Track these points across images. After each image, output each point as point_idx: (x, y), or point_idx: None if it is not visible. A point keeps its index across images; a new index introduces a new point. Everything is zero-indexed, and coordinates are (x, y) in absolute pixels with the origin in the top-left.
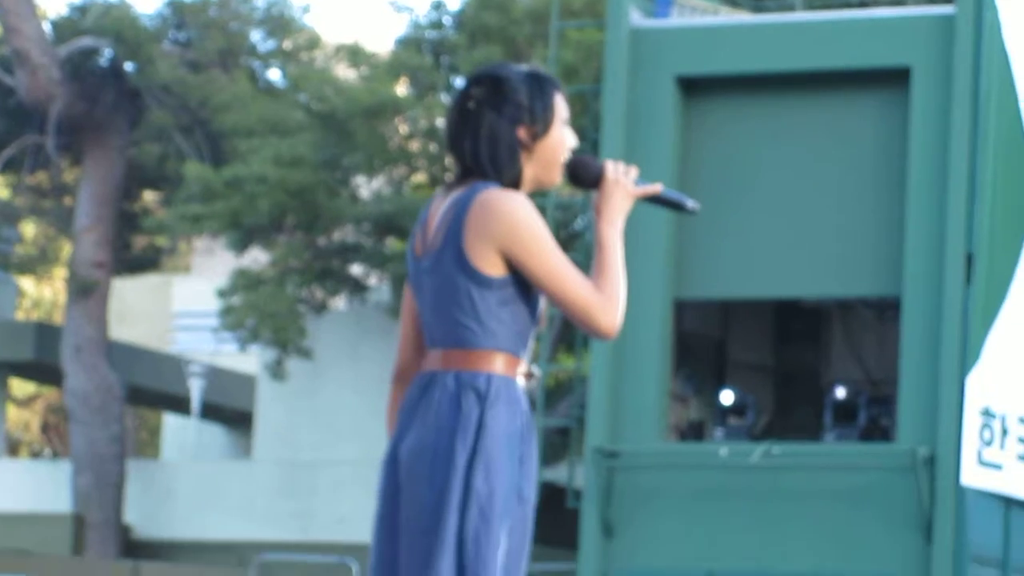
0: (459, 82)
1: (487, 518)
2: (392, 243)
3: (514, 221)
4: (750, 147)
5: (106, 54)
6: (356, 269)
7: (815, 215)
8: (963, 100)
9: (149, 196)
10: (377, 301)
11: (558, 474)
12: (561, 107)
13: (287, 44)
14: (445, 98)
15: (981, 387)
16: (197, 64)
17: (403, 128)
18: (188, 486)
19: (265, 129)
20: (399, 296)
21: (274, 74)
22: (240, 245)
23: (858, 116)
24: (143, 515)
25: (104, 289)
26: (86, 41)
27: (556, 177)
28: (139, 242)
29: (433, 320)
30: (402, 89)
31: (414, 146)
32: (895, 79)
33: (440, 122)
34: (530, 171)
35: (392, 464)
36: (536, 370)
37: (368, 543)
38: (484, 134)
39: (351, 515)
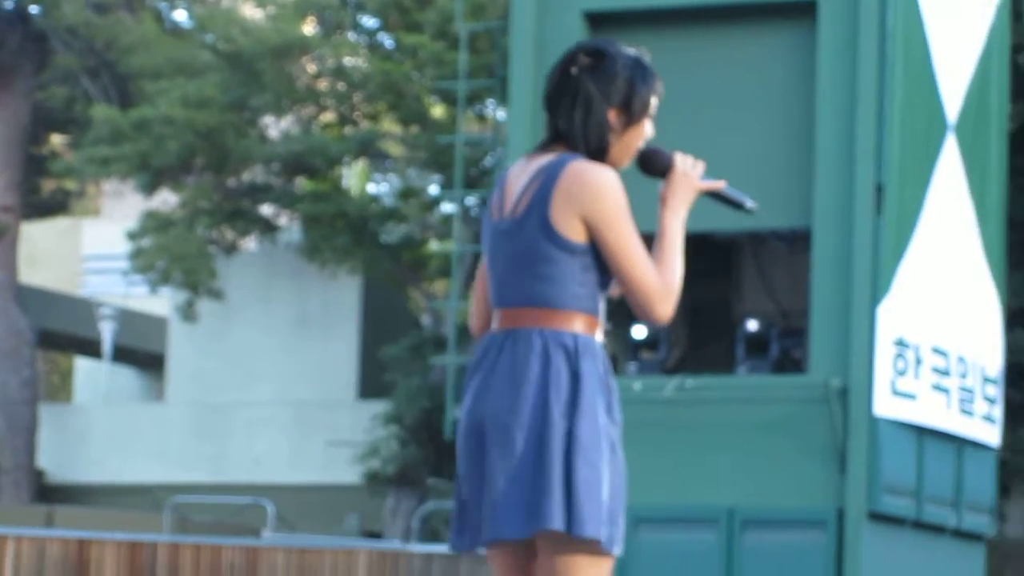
0: (367, 20)
1: (594, 466)
2: (301, 183)
3: (602, 193)
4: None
5: None
6: (266, 209)
7: (724, 149)
8: (870, 32)
9: (57, 139)
10: (287, 241)
11: None
12: (655, 103)
13: None
14: (353, 37)
15: (893, 317)
16: (103, 6)
17: (311, 67)
18: (101, 430)
19: (172, 70)
20: (309, 236)
21: (180, 15)
22: (149, 187)
23: (766, 50)
24: (56, 459)
25: (13, 233)
26: None
27: (627, 162)
28: (47, 185)
29: (512, 280)
30: (309, 28)
31: (322, 85)
32: (802, 12)
33: (348, 61)
34: (613, 152)
35: (476, 425)
36: (610, 328)
37: (283, 482)
38: (580, 103)
39: (265, 456)
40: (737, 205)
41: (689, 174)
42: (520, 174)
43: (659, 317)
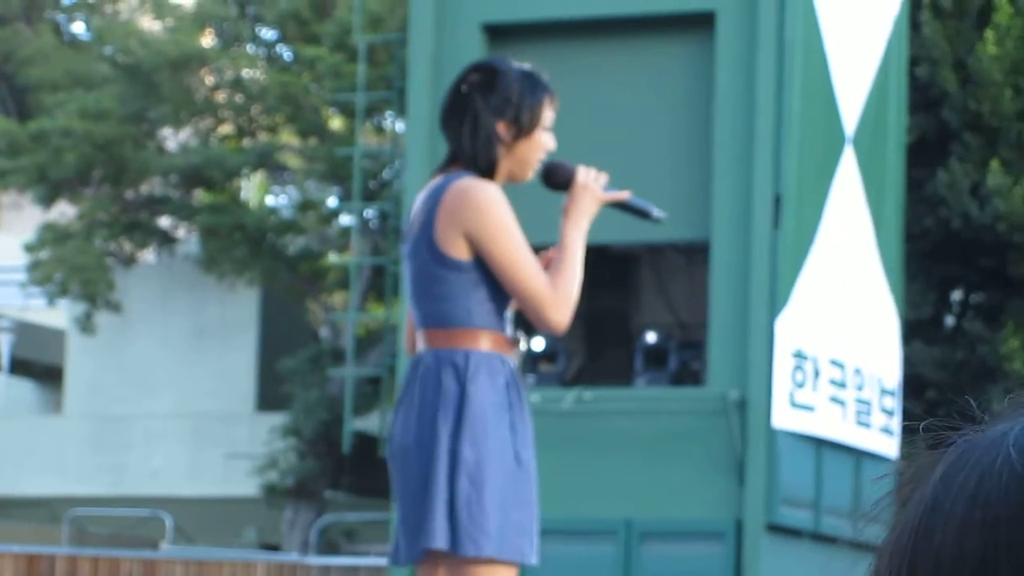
0: (265, 32)
1: (477, 484)
2: (200, 195)
3: (482, 209)
4: (558, 93)
5: None
6: (164, 221)
7: (622, 161)
8: (768, 43)
9: None
10: (186, 253)
11: (370, 423)
12: (547, 114)
13: None
14: (251, 48)
15: (792, 329)
16: (1, 18)
17: (209, 79)
18: None
19: (70, 82)
20: (207, 248)
21: (78, 27)
22: (47, 199)
23: (664, 62)
24: None
25: None
26: None
27: (528, 175)
28: None
29: (415, 303)
30: (207, 40)
31: (220, 97)
32: (700, 24)
33: (246, 73)
34: (505, 165)
35: (390, 441)
36: (522, 337)
37: (181, 495)
38: (469, 118)
39: (163, 468)
40: (643, 214)
41: (591, 186)
42: (419, 199)
43: (552, 325)
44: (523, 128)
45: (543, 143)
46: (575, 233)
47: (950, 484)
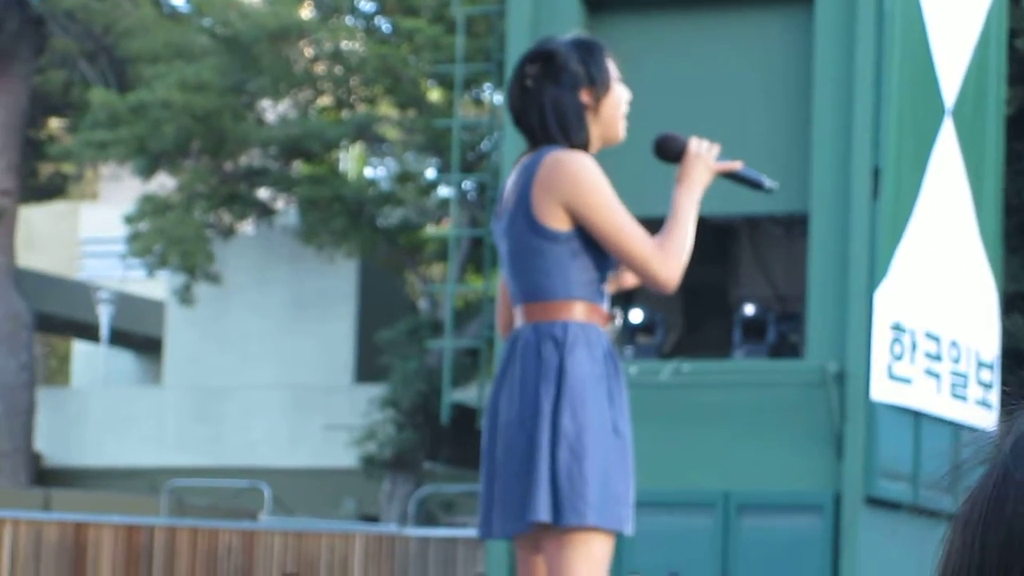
0: (364, 4)
1: (577, 454)
2: (298, 166)
3: (578, 179)
4: (656, 66)
5: None
6: (263, 193)
7: (722, 133)
8: (867, 16)
9: (55, 123)
10: (284, 225)
11: (469, 395)
12: (612, 67)
13: None
14: (350, 21)
15: (890, 302)
16: None
17: (308, 51)
18: (98, 413)
19: (170, 54)
20: (306, 220)
21: (178, 0)
22: (146, 171)
23: (763, 34)
24: (54, 443)
25: (11, 217)
26: None
27: (620, 132)
28: (45, 169)
29: (512, 278)
30: (306, 12)
31: (319, 69)
32: None
33: (345, 44)
34: (596, 131)
35: (492, 418)
36: (617, 312)
37: (280, 466)
38: (549, 106)
39: (261, 439)
40: (755, 184)
41: (703, 156)
42: (512, 176)
43: (661, 282)
44: (602, 88)
45: (621, 95)
46: (687, 200)
47: (1021, 454)
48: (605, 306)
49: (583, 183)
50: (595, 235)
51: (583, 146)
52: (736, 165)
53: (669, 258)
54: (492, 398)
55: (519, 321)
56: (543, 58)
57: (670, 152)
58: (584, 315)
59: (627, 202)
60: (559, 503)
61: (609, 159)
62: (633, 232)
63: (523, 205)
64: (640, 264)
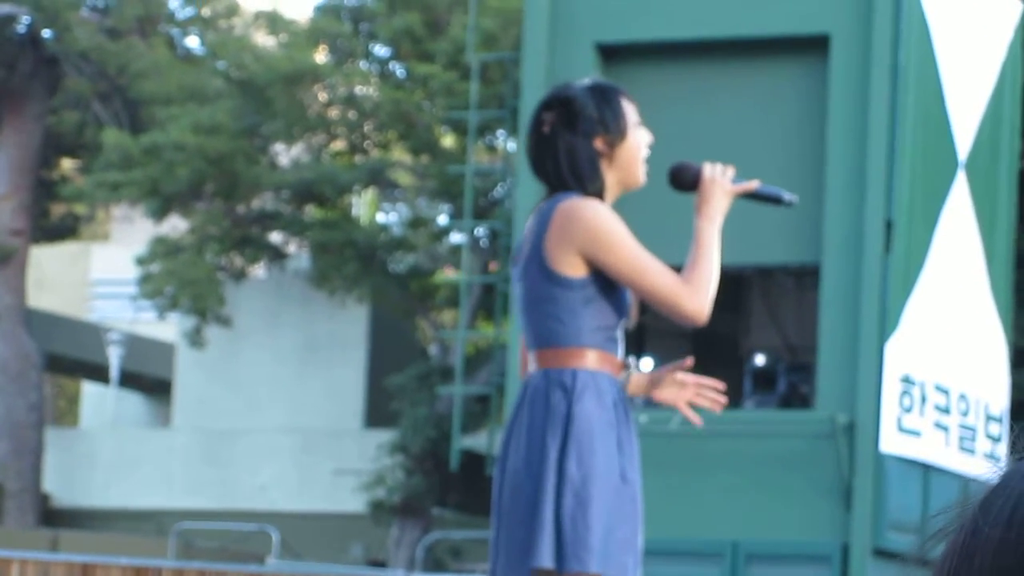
0: (378, 49)
1: (582, 501)
2: (311, 210)
3: (593, 225)
4: (669, 115)
5: (24, 21)
6: (275, 237)
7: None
8: (882, 68)
9: (67, 164)
10: (296, 268)
11: (478, 441)
12: (631, 111)
13: (206, 11)
14: (364, 65)
15: (901, 354)
16: (115, 31)
17: (322, 96)
18: (107, 454)
19: (183, 96)
20: (318, 264)
21: (192, 41)
22: (159, 213)
23: (778, 84)
24: (62, 483)
25: (22, 257)
26: (4, 8)
27: (640, 177)
28: (57, 210)
29: (525, 324)
30: (321, 56)
31: (333, 113)
32: (815, 47)
33: (359, 89)
34: (612, 177)
35: (502, 463)
36: (631, 360)
37: (288, 510)
38: (564, 154)
39: (270, 483)
40: (775, 200)
41: (719, 180)
42: (529, 222)
43: (689, 314)
44: (617, 134)
45: (640, 139)
46: (709, 227)
47: (989, 509)
48: (618, 354)
49: (597, 228)
50: (617, 278)
51: (598, 194)
52: (753, 184)
53: (697, 290)
54: (503, 444)
55: (531, 367)
56: (559, 104)
57: (685, 181)
58: (595, 363)
59: (649, 248)
60: (562, 549)
61: (627, 206)
62: (655, 269)
63: (537, 252)
64: (668, 300)
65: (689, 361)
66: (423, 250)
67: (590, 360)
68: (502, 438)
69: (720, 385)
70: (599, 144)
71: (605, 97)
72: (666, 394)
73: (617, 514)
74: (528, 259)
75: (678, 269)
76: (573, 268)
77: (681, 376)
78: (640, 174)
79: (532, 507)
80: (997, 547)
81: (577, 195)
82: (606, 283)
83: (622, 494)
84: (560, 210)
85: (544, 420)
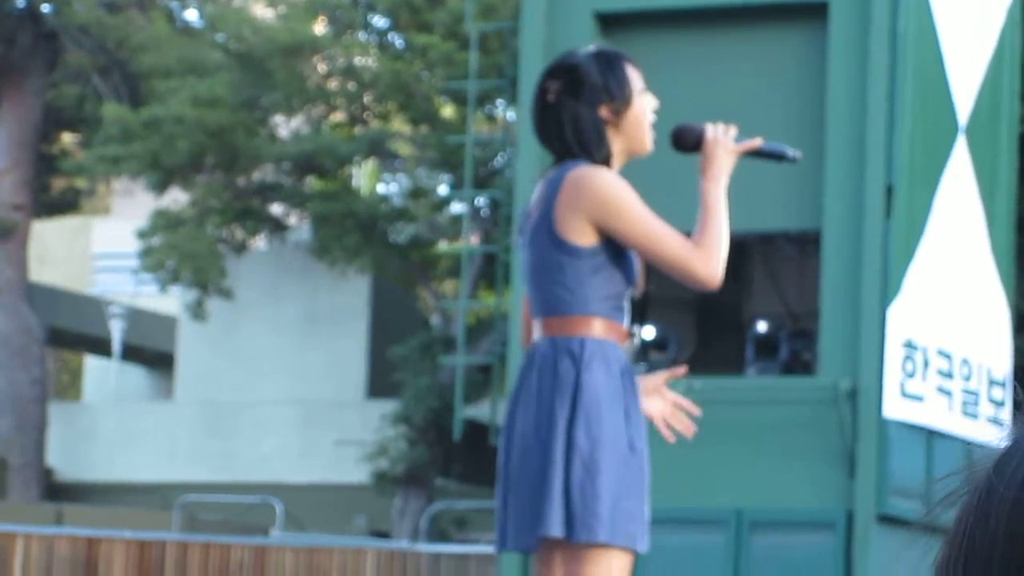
0: (377, 20)
1: (590, 470)
2: (311, 182)
3: (602, 193)
4: (669, 82)
5: None
6: (276, 209)
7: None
8: (881, 33)
9: (67, 138)
10: (297, 241)
11: (481, 411)
12: (635, 78)
13: None
14: (363, 36)
15: (903, 320)
16: (114, 5)
17: (321, 67)
18: (110, 428)
19: (183, 69)
20: (319, 236)
21: (191, 14)
22: (159, 186)
23: (777, 51)
24: (65, 457)
25: (24, 231)
26: None
27: (646, 144)
28: (58, 184)
29: (532, 291)
30: (320, 28)
31: (332, 85)
32: (813, 13)
33: (358, 60)
34: (619, 145)
35: (508, 430)
36: (635, 329)
37: (291, 482)
38: (569, 122)
39: (274, 455)
40: (779, 157)
41: (722, 140)
42: (537, 189)
43: (702, 279)
44: (622, 102)
45: (646, 105)
46: (714, 189)
47: (1004, 470)
48: (624, 323)
49: (607, 196)
50: (628, 245)
51: (605, 161)
52: (756, 143)
53: (708, 253)
54: (509, 410)
55: (537, 334)
56: (563, 72)
57: (688, 142)
58: (602, 331)
59: (658, 214)
60: (571, 519)
61: (634, 172)
62: (666, 234)
63: (546, 219)
64: (680, 266)
65: (681, 370)
66: (424, 220)
67: (597, 329)
68: (508, 404)
69: (695, 411)
70: (604, 112)
71: (609, 64)
72: (650, 406)
73: (625, 484)
74: (536, 227)
75: (688, 235)
76: (583, 236)
77: (665, 389)
78: (647, 140)
79: (541, 475)
80: (1012, 507)
81: (585, 163)
82: (615, 251)
83: (630, 464)
84: (569, 178)
85: (552, 388)
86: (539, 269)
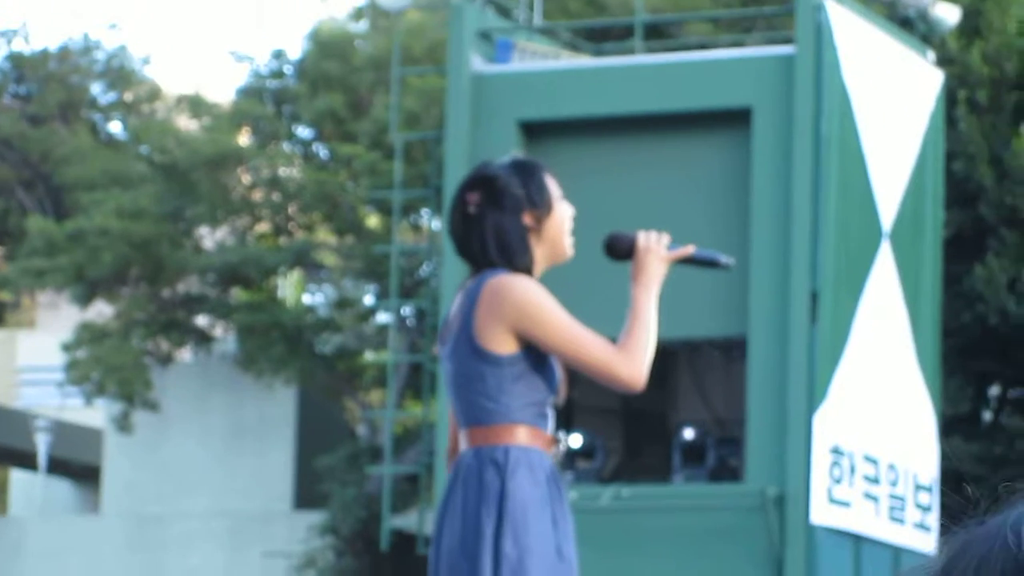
0: (301, 131)
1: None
2: (237, 293)
3: (521, 300)
4: (594, 190)
5: None
6: (201, 320)
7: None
8: (804, 139)
9: None
10: (223, 352)
11: (409, 521)
12: (553, 185)
13: (128, 96)
14: (287, 147)
15: (829, 425)
16: (38, 117)
17: (246, 178)
18: (36, 542)
19: (107, 182)
20: (245, 347)
21: (115, 126)
22: (84, 299)
23: (701, 157)
24: None
25: None
26: None
27: (567, 250)
28: None
29: (456, 402)
30: (244, 139)
31: (257, 196)
32: (737, 119)
33: (282, 171)
34: (540, 251)
35: (436, 543)
36: (562, 436)
37: None
38: (491, 232)
39: (200, 568)
40: (712, 264)
41: (654, 248)
42: (456, 301)
43: (626, 381)
44: (544, 209)
45: (564, 212)
46: (644, 295)
47: (951, 573)
48: (549, 429)
49: (527, 304)
50: (550, 351)
51: (527, 269)
52: (689, 250)
53: (632, 356)
54: (437, 523)
55: (463, 445)
56: (482, 183)
57: (620, 250)
58: (527, 439)
59: (584, 321)
60: None
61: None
62: (588, 338)
63: (466, 330)
64: (602, 369)
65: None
66: (350, 331)
67: (521, 436)
68: (435, 517)
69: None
70: (527, 219)
71: (528, 173)
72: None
73: None
74: (457, 338)
75: (615, 340)
76: (503, 345)
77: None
78: (568, 246)
79: None
80: None
81: (504, 271)
82: (536, 359)
83: (559, 571)
84: (488, 287)
85: (478, 498)
86: (461, 380)
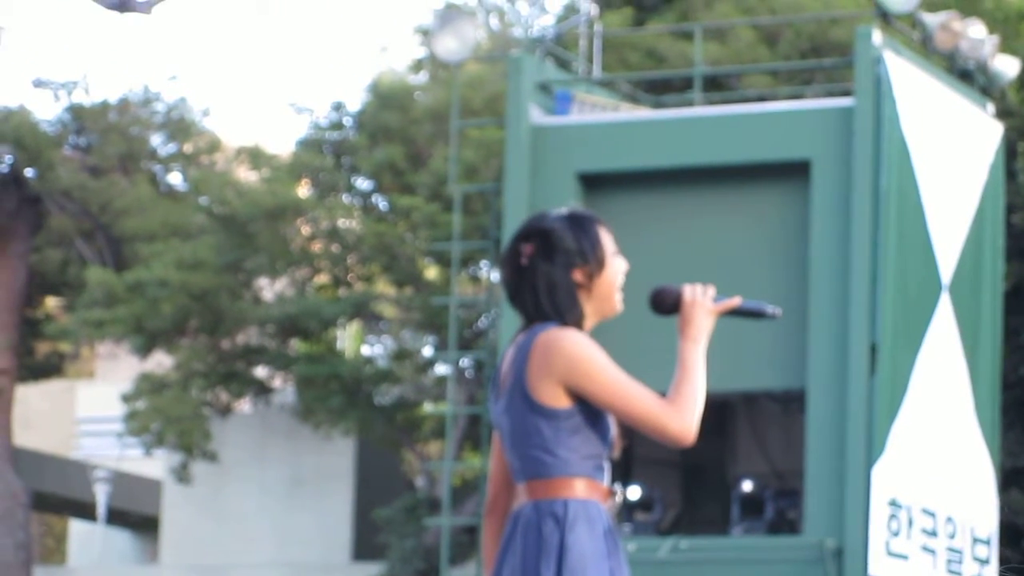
0: (360, 182)
1: None
2: (296, 344)
3: (573, 355)
4: (652, 243)
5: (6, 160)
6: (260, 371)
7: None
8: (863, 192)
9: (51, 302)
10: (282, 403)
11: (467, 573)
12: (608, 240)
13: (187, 147)
14: (347, 199)
15: (887, 478)
16: (98, 169)
17: (305, 229)
18: None
19: (167, 233)
20: (303, 398)
21: (175, 178)
22: (143, 349)
23: (760, 209)
24: None
25: (8, 395)
26: None
27: (617, 305)
28: (42, 348)
29: (513, 456)
30: (303, 190)
31: (316, 247)
32: (796, 171)
33: (342, 223)
34: (590, 307)
35: None
36: (619, 488)
37: None
38: (543, 286)
39: None
40: (759, 315)
41: (699, 301)
42: (507, 356)
43: (676, 436)
44: (596, 265)
45: (617, 269)
46: (692, 349)
47: None
48: (606, 482)
49: (578, 358)
50: (600, 406)
51: (576, 323)
52: (735, 301)
53: (681, 410)
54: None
55: (522, 499)
56: (537, 235)
57: (666, 304)
58: (585, 492)
59: (635, 375)
60: None
61: (610, 333)
62: (638, 393)
63: (520, 385)
64: (652, 424)
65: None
66: (408, 382)
67: (579, 489)
68: (493, 570)
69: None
70: (578, 275)
71: (583, 227)
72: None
73: None
74: (511, 393)
75: (663, 394)
76: (557, 399)
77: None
78: (617, 302)
79: None
80: None
81: (555, 325)
82: (591, 412)
83: None
84: (539, 342)
85: (537, 551)
86: (518, 434)
